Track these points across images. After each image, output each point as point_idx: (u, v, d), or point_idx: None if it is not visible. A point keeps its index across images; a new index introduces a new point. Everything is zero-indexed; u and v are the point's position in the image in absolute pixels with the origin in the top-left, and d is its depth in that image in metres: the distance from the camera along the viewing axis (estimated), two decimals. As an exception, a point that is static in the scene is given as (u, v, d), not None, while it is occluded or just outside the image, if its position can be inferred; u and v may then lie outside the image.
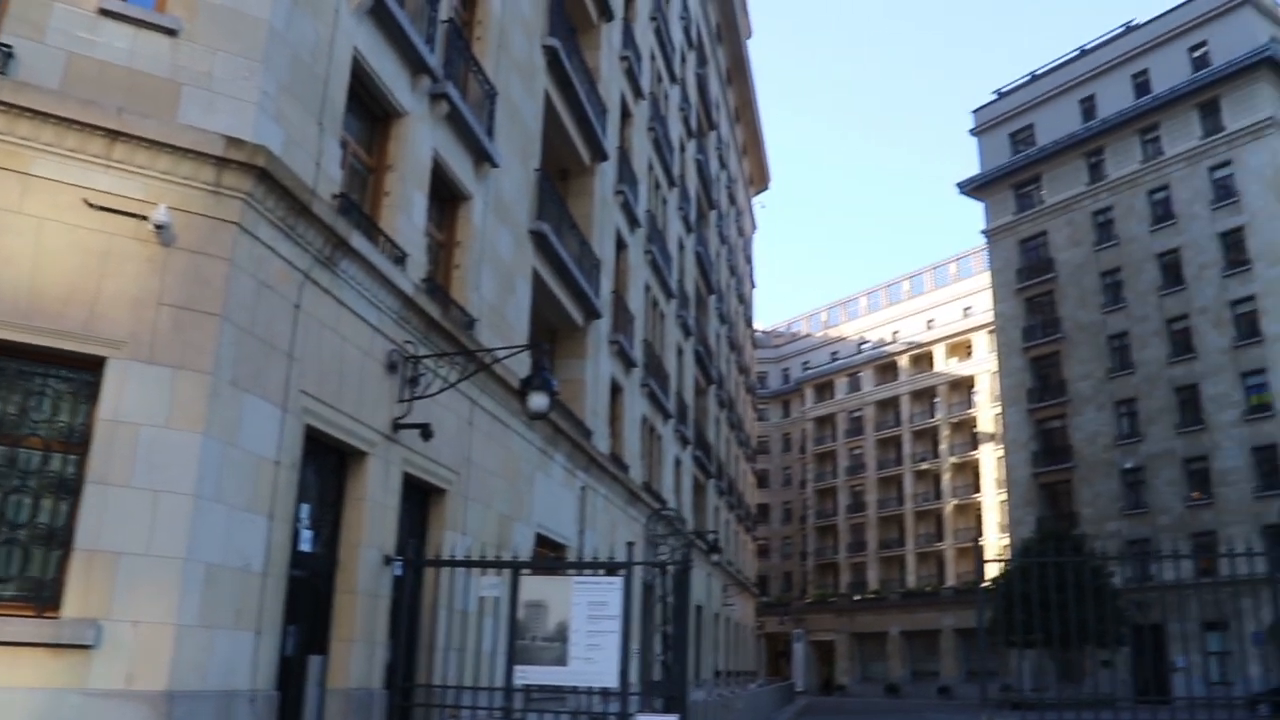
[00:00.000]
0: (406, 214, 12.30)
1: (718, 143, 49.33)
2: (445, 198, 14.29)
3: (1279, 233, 51.45)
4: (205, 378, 8.20)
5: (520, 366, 14.64)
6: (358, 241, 10.25)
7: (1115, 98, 60.34)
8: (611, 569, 11.20)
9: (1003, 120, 67.58)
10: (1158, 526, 53.18)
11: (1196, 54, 56.76)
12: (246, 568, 8.62)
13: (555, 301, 19.50)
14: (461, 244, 14.52)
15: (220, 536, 8.25)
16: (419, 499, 12.83)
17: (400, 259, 11.79)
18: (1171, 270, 55.82)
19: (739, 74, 57.91)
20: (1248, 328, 51.88)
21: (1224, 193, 54.22)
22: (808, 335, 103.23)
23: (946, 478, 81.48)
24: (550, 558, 18.04)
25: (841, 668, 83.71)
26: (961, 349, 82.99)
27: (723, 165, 51.51)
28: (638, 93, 27.86)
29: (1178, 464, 53.39)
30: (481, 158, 14.83)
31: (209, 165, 8.43)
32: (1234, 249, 53.29)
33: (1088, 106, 62.18)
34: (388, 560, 11.31)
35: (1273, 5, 57.04)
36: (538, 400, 11.49)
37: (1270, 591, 11.57)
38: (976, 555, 12.21)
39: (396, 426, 11.46)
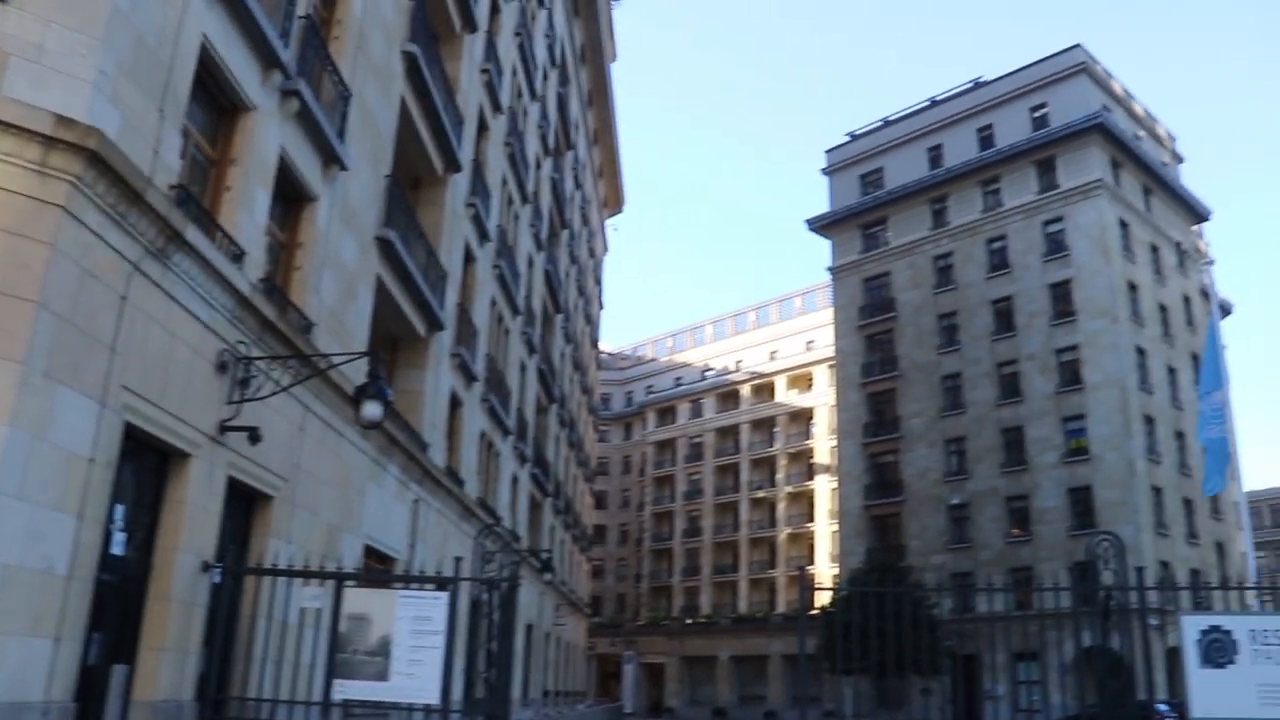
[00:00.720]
0: (248, 211, 11.93)
1: (574, 163, 49.43)
2: (290, 197, 13.91)
3: (1101, 288, 54.29)
4: (16, 366, 7.75)
5: (358, 374, 14.31)
6: (193, 235, 9.88)
7: (961, 148, 62.81)
8: (440, 584, 11.04)
9: (854, 162, 69.52)
10: (980, 560, 55.22)
11: (1037, 114, 59.63)
12: (49, 570, 8.15)
13: (398, 310, 19.18)
14: (304, 245, 14.15)
15: (21, 535, 7.78)
16: (243, 504, 12.41)
17: (238, 256, 11.42)
18: (1004, 317, 58.27)
19: (600, 96, 58.24)
20: (1070, 375, 54.52)
21: (1055, 246, 56.93)
22: (653, 360, 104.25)
23: (782, 506, 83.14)
24: (378, 570, 17.68)
25: (671, 690, 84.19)
26: (802, 381, 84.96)
27: (578, 185, 51.64)
28: (496, 106, 27.74)
29: (1001, 502, 55.63)
30: (330, 159, 14.52)
31: (35, 143, 8.00)
32: (1061, 300, 55.97)
33: (935, 155, 64.53)
34: (206, 567, 10.90)
35: (1106, 76, 60.45)
36: (371, 409, 11.27)
37: (1074, 625, 12.11)
38: (802, 582, 12.45)
39: (223, 429, 11.07)
